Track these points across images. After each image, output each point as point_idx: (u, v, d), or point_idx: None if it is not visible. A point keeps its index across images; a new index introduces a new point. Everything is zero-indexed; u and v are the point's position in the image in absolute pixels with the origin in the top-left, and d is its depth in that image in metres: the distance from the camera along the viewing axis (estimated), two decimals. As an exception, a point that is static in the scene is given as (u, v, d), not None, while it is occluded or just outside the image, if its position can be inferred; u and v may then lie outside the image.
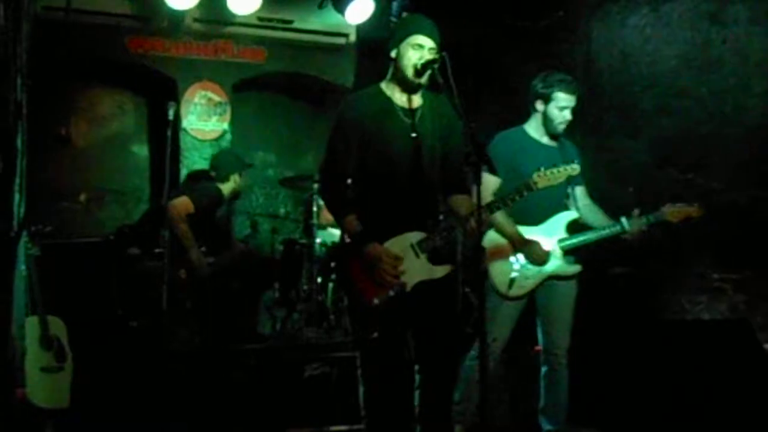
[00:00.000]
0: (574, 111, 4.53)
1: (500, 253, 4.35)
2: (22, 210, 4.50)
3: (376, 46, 3.84)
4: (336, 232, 5.97)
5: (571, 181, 4.33)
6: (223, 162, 6.47)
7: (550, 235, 4.48)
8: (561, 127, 4.55)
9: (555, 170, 3.97)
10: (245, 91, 8.35)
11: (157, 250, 6.12)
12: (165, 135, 5.55)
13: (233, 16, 7.51)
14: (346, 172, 3.78)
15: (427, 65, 3.63)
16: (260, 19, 7.77)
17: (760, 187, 5.04)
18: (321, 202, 6.53)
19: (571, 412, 4.55)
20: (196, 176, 7.13)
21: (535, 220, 4.45)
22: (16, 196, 4.31)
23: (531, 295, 4.51)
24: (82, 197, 7.94)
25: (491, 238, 4.36)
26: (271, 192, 8.68)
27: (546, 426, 4.52)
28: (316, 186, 6.57)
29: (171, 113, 5.52)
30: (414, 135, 3.75)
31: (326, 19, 7.87)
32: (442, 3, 6.09)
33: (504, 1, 6.54)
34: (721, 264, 5.27)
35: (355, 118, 3.76)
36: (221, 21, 7.72)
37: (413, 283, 3.68)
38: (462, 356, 4.47)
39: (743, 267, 5.15)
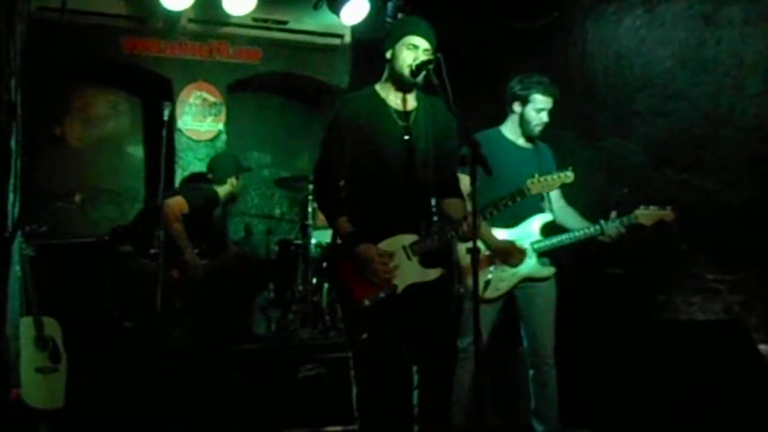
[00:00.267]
0: (551, 113, 4.57)
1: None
2: (17, 210, 4.50)
3: (371, 46, 3.84)
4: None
5: None
6: (220, 165, 6.47)
7: (524, 238, 4.50)
8: (537, 129, 4.57)
9: (549, 177, 4.00)
10: (240, 91, 8.35)
11: (151, 251, 6.11)
12: (160, 135, 5.53)
13: (228, 16, 7.51)
14: (340, 173, 3.78)
15: (422, 66, 3.63)
16: (255, 19, 7.77)
17: (755, 188, 5.04)
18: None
19: (564, 413, 4.56)
20: (193, 179, 7.13)
21: (510, 222, 4.47)
22: (11, 197, 4.31)
23: (511, 298, 4.54)
24: (77, 197, 7.93)
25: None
26: (266, 192, 8.69)
27: (538, 427, 4.53)
28: (311, 187, 6.57)
29: (166, 114, 5.51)
30: (407, 138, 3.75)
31: (321, 20, 7.88)
32: (438, 3, 6.10)
33: (500, 1, 6.54)
34: (715, 264, 5.28)
35: (349, 120, 3.76)
36: (216, 21, 7.72)
37: (405, 285, 3.68)
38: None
39: (738, 268, 5.16)
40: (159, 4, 7.02)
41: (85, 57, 7.60)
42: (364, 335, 3.63)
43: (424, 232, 3.74)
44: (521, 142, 4.62)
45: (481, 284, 4.35)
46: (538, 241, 4.51)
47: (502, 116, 4.72)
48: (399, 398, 3.78)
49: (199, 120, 7.93)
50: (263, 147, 8.80)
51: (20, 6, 4.06)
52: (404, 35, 3.71)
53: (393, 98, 3.82)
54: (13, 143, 4.23)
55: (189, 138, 7.88)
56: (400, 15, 6.69)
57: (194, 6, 7.18)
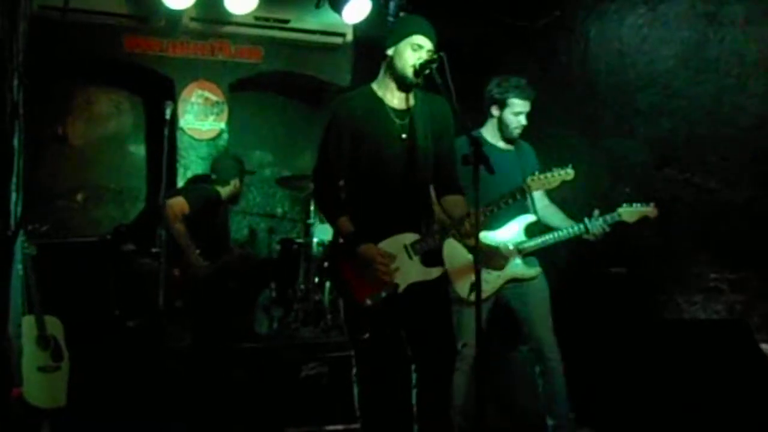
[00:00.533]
0: (529, 115, 4.57)
1: (461, 261, 4.35)
2: (20, 209, 4.50)
3: (373, 45, 3.84)
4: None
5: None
6: (224, 166, 6.46)
7: (509, 239, 4.50)
8: (516, 132, 4.58)
9: (549, 174, 4.00)
10: (242, 90, 8.35)
11: (153, 250, 6.12)
12: (162, 134, 5.53)
13: (230, 15, 7.50)
14: (339, 173, 3.78)
15: (425, 65, 3.62)
16: (257, 18, 7.76)
17: (757, 187, 5.04)
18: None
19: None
20: (196, 180, 7.14)
21: (494, 224, 4.47)
22: (14, 195, 4.31)
23: (505, 300, 4.54)
24: (79, 196, 7.93)
25: (450, 247, 4.36)
26: (268, 191, 8.68)
27: (549, 422, 4.54)
28: (312, 185, 6.57)
29: (168, 112, 5.51)
30: (405, 136, 3.75)
31: (323, 19, 7.87)
32: (440, 2, 6.10)
33: (502, 0, 6.54)
34: (718, 264, 5.28)
35: (347, 120, 3.75)
36: (218, 20, 7.71)
37: (406, 284, 3.68)
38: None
39: (740, 267, 5.15)
40: (161, 3, 7.02)
41: (86, 56, 7.60)
42: (366, 335, 3.63)
43: (425, 231, 3.74)
44: (501, 144, 4.62)
45: (466, 288, 4.36)
46: (522, 242, 4.52)
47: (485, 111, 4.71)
48: (400, 397, 3.78)
49: (200, 119, 7.92)
50: (265, 146, 8.80)
51: (23, 4, 4.06)
52: (409, 34, 3.70)
53: (390, 97, 3.81)
54: (15, 142, 4.23)
55: (191, 137, 7.87)
56: (402, 14, 6.68)
57: (196, 5, 7.18)
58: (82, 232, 7.43)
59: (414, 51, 3.69)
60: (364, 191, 3.75)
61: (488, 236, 4.45)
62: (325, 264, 6.48)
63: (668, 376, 4.52)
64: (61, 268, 5.96)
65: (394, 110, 3.79)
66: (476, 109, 4.61)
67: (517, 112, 4.52)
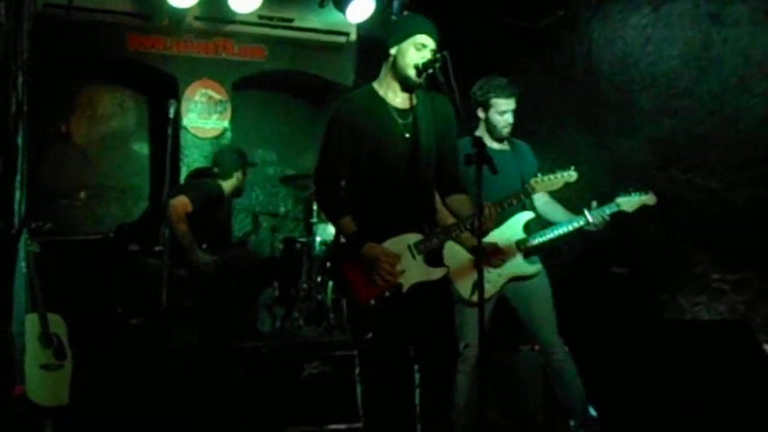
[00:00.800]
0: (516, 113, 4.55)
1: (463, 262, 4.35)
2: (23, 208, 4.50)
3: (376, 44, 3.84)
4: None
5: (527, 179, 4.32)
6: (226, 159, 6.46)
7: (508, 237, 4.49)
8: (505, 131, 4.57)
9: (552, 176, 4.00)
10: (245, 89, 8.35)
11: (157, 248, 6.12)
12: (165, 133, 5.54)
13: (234, 14, 7.51)
14: (341, 173, 3.76)
15: (428, 65, 3.61)
16: (261, 17, 7.77)
17: (760, 187, 5.04)
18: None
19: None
20: (197, 174, 7.13)
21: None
22: (17, 194, 4.31)
23: (505, 300, 4.54)
24: (82, 195, 7.94)
25: (451, 249, 4.35)
26: (271, 190, 8.69)
27: (571, 422, 4.54)
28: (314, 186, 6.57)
29: (171, 111, 5.51)
30: (408, 135, 3.74)
31: (327, 18, 7.87)
32: (444, 2, 6.10)
33: (504, 0, 6.54)
34: (720, 264, 5.28)
35: (348, 119, 3.74)
36: (222, 19, 7.72)
37: (410, 284, 3.67)
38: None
39: (743, 267, 5.16)
40: (165, 2, 7.03)
41: (90, 54, 7.60)
42: (370, 335, 3.63)
43: (428, 231, 3.74)
44: (496, 145, 4.60)
45: (468, 288, 4.35)
46: (523, 240, 4.51)
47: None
48: (403, 397, 3.78)
49: (204, 117, 7.93)
50: (268, 145, 8.80)
51: (27, 3, 4.06)
52: (412, 34, 3.68)
53: (392, 96, 3.79)
54: (19, 141, 4.23)
55: (194, 135, 7.88)
56: (405, 13, 6.68)
57: (200, 3, 7.19)
58: (85, 231, 7.43)
59: (417, 50, 3.68)
60: (367, 191, 3.74)
61: (489, 234, 4.44)
62: (328, 264, 6.49)
63: (670, 377, 4.52)
64: (64, 266, 5.96)
65: (397, 109, 3.78)
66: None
67: (501, 111, 4.51)
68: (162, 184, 5.65)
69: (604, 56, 6.08)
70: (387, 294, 3.61)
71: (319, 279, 6.77)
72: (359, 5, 7.22)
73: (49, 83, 5.74)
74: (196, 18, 7.66)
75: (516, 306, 4.57)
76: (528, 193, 3.99)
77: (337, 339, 6.08)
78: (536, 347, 4.78)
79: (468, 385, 4.38)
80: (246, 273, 6.59)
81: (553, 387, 4.61)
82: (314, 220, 6.99)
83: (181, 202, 5.92)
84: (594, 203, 4.47)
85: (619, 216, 4.47)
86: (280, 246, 7.43)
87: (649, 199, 4.47)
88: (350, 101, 3.83)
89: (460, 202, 3.83)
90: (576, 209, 4.54)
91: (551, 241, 4.54)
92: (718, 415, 4.22)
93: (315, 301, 6.68)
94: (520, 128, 4.63)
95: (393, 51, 3.75)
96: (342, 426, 5.13)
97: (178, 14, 7.49)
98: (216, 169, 6.40)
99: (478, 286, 3.29)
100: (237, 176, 6.36)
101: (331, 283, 6.63)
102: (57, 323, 4.98)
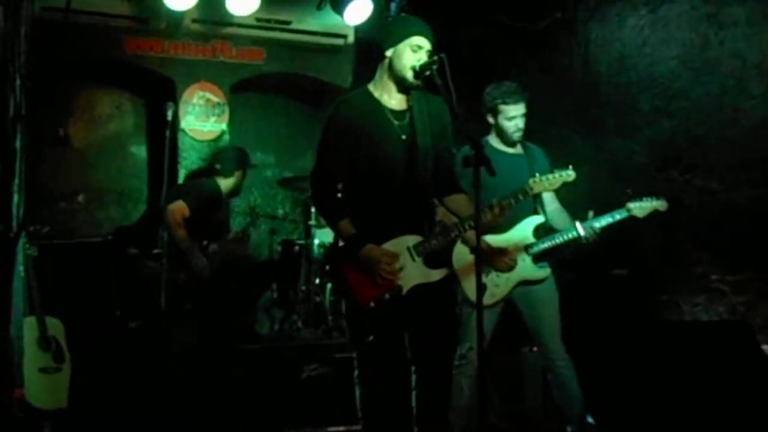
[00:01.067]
0: (530, 117, 4.57)
1: (470, 263, 4.34)
2: (22, 211, 4.50)
3: (374, 46, 3.84)
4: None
5: None
6: (228, 157, 6.45)
7: (518, 241, 4.49)
8: (516, 136, 4.58)
9: (551, 176, 4.00)
10: (243, 91, 8.35)
11: (155, 251, 6.12)
12: (163, 135, 5.54)
13: (232, 17, 7.50)
14: (338, 175, 3.74)
15: (425, 67, 3.61)
16: (258, 20, 7.76)
17: (759, 188, 5.05)
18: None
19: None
20: (196, 174, 7.13)
21: (503, 226, 4.46)
22: (15, 197, 4.31)
23: (512, 303, 4.54)
24: (80, 198, 7.93)
25: (460, 250, 4.36)
26: (269, 193, 8.68)
27: (569, 428, 4.54)
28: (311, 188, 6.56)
29: (169, 114, 5.51)
30: (404, 137, 3.74)
31: (324, 20, 7.86)
32: (441, 4, 6.10)
33: (502, 2, 6.54)
34: (720, 265, 5.28)
35: (345, 122, 3.74)
36: (220, 22, 7.71)
37: (409, 286, 3.67)
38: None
39: (742, 268, 5.16)
40: (162, 5, 7.02)
41: (88, 57, 7.59)
42: (370, 337, 3.62)
43: (427, 232, 3.74)
44: (509, 149, 4.62)
45: (475, 290, 4.34)
46: (531, 244, 4.52)
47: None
48: (402, 399, 3.78)
49: (202, 120, 7.92)
50: (266, 147, 8.79)
51: (25, 6, 4.06)
52: (408, 36, 3.68)
53: (388, 98, 3.79)
54: (17, 144, 4.23)
55: (192, 138, 7.87)
56: (403, 15, 6.68)
57: (197, 6, 7.17)
58: (84, 234, 7.43)
59: (414, 52, 3.68)
60: (365, 193, 3.73)
61: (497, 237, 4.45)
62: (327, 266, 6.49)
63: (670, 378, 4.52)
64: (63, 270, 5.96)
65: (393, 111, 3.77)
66: (475, 110, 4.61)
67: (510, 117, 4.53)
68: (160, 187, 5.64)
69: (602, 58, 6.09)
70: (387, 296, 3.60)
71: (317, 281, 6.77)
72: (357, 7, 7.22)
73: (47, 86, 5.71)
74: (194, 21, 7.65)
75: (521, 309, 4.58)
76: (527, 193, 3.98)
77: (335, 341, 6.08)
78: (535, 348, 4.78)
79: (472, 388, 4.37)
80: (246, 267, 6.57)
81: (552, 392, 4.60)
82: (313, 222, 6.99)
83: (179, 207, 5.92)
84: (590, 213, 4.48)
85: (629, 222, 4.47)
86: (279, 248, 7.43)
87: (661, 204, 4.49)
88: (346, 103, 3.83)
89: (459, 202, 3.84)
90: (576, 213, 4.55)
91: (550, 249, 4.55)
92: (718, 414, 4.23)
93: (314, 304, 6.68)
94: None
95: (389, 53, 3.75)
96: (341, 428, 5.13)
97: (176, 17, 7.48)
98: (218, 166, 6.39)
99: (477, 286, 3.29)
100: (237, 175, 6.36)
101: (329, 285, 6.63)
102: (55, 326, 4.98)
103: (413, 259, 3.68)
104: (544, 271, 4.54)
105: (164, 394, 5.02)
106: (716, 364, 4.37)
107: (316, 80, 8.46)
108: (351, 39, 8.19)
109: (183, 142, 7.82)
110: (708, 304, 5.32)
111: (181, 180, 7.59)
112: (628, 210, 4.46)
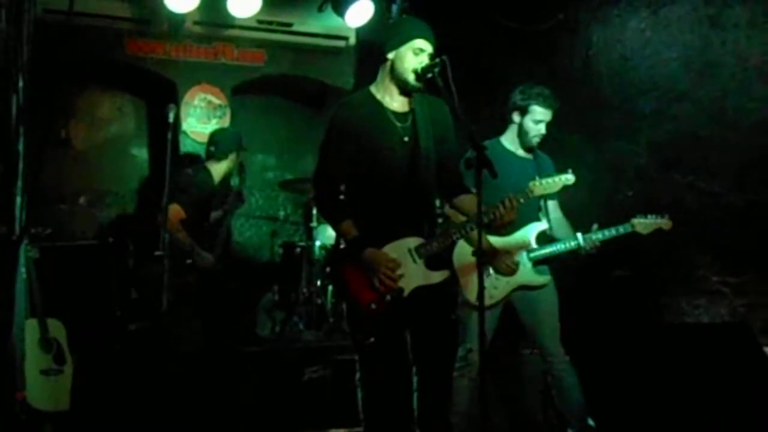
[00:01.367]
0: (549, 124, 4.60)
1: (471, 264, 4.35)
2: (24, 213, 4.50)
3: (375, 48, 3.84)
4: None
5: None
6: (223, 138, 6.41)
7: (520, 246, 4.51)
8: (535, 140, 4.60)
9: (550, 179, 4.01)
10: (245, 93, 8.35)
11: (156, 253, 6.11)
12: (165, 137, 5.53)
13: (233, 19, 7.51)
14: (340, 177, 3.76)
15: (427, 70, 3.62)
16: (260, 21, 7.77)
17: (761, 191, 5.04)
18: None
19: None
20: (187, 161, 7.06)
21: (505, 231, 4.47)
22: (18, 199, 4.31)
23: (512, 307, 4.55)
24: (82, 199, 7.93)
25: (461, 250, 4.36)
26: (270, 194, 8.68)
27: (568, 430, 4.55)
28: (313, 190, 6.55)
29: (171, 116, 5.51)
30: (406, 139, 3.74)
31: (326, 22, 7.87)
32: (442, 5, 6.10)
33: (504, 3, 6.54)
34: (721, 267, 5.27)
35: (347, 124, 3.75)
36: (221, 24, 7.72)
37: (411, 288, 3.67)
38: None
39: (743, 270, 5.15)
40: (163, 7, 7.02)
41: (89, 59, 7.60)
42: (372, 339, 3.63)
43: (428, 234, 3.74)
44: (521, 152, 4.65)
45: (475, 291, 4.35)
46: (533, 250, 4.53)
47: (506, 119, 4.73)
48: (403, 401, 3.78)
49: (203, 122, 7.92)
50: (268, 149, 8.79)
51: (27, 8, 4.06)
52: (410, 38, 3.69)
53: (389, 100, 3.80)
54: (20, 145, 4.23)
55: (194, 140, 7.87)
56: (404, 17, 6.68)
57: (199, 8, 7.18)
58: (85, 236, 7.43)
59: (416, 55, 3.69)
60: (367, 195, 3.74)
61: (499, 239, 4.45)
62: (328, 268, 6.49)
63: (671, 380, 4.52)
64: (64, 272, 5.96)
65: (395, 113, 3.78)
66: (476, 112, 4.62)
67: (537, 120, 4.56)
68: (161, 189, 5.63)
69: (603, 59, 6.08)
70: (388, 298, 3.61)
71: (319, 283, 6.77)
72: (358, 9, 7.22)
73: (49, 88, 5.71)
74: (196, 23, 7.66)
75: (520, 312, 4.60)
76: (527, 196, 3.98)
77: (337, 343, 6.08)
78: (535, 350, 4.79)
79: (471, 390, 4.38)
80: (244, 276, 6.56)
81: (552, 395, 4.61)
82: (314, 224, 6.99)
83: (174, 211, 5.90)
84: (595, 226, 4.51)
85: (632, 237, 4.50)
86: (280, 250, 7.43)
87: (665, 223, 4.52)
88: (348, 105, 3.83)
89: (467, 202, 3.84)
90: (577, 216, 4.57)
91: (552, 255, 4.56)
92: (719, 417, 4.22)
93: (315, 306, 6.68)
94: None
95: (390, 55, 3.76)
96: (342, 430, 5.13)
97: (178, 19, 7.49)
98: (212, 149, 6.35)
99: (479, 287, 3.29)
100: (231, 158, 6.33)
101: (331, 288, 6.63)
102: (57, 328, 4.99)
103: (414, 262, 3.68)
104: (543, 278, 4.57)
105: (165, 395, 5.02)
106: (717, 366, 4.37)
107: (318, 82, 8.47)
108: (352, 41, 8.20)
109: (184, 144, 7.83)
110: (709, 306, 5.32)
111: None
112: (632, 225, 4.49)
